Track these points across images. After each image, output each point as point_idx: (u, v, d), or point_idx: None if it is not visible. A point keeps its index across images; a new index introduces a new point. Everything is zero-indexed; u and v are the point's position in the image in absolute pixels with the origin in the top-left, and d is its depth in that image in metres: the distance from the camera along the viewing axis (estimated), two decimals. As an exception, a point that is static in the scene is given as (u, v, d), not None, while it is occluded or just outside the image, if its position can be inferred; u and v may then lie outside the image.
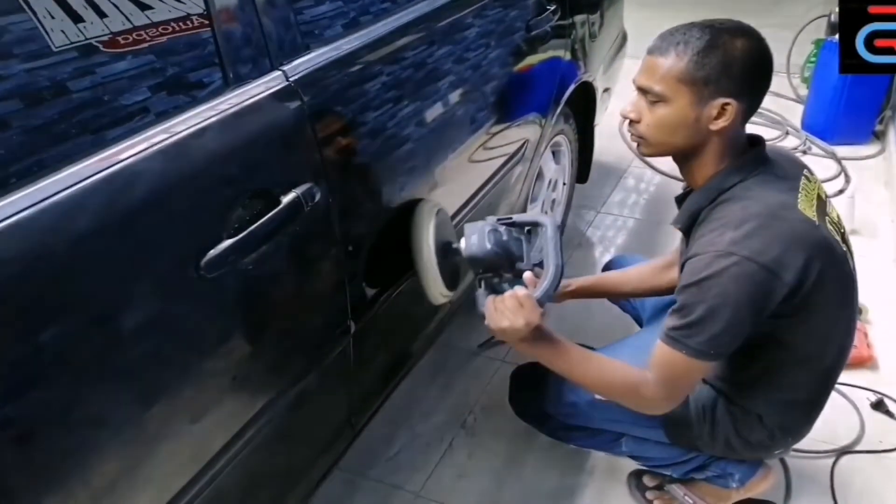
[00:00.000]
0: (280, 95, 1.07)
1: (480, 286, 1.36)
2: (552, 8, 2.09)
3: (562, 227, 2.75)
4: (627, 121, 1.26)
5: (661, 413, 1.29)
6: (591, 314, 2.24)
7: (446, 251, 1.41)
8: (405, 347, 1.72)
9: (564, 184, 2.69)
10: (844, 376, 2.10)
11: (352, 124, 1.25)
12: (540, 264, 1.36)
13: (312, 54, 1.17)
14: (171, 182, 0.91)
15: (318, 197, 1.12)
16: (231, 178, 1.00)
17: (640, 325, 1.83)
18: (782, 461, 1.83)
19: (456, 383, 2.18)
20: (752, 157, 1.23)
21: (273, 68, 1.09)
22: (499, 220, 1.40)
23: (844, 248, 1.26)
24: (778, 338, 1.25)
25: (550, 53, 2.14)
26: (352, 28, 1.31)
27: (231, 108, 1.00)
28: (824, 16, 4.08)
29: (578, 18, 2.37)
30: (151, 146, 0.88)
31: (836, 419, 1.97)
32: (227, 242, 0.97)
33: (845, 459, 1.87)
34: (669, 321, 1.20)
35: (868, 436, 1.94)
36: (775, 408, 1.35)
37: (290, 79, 1.10)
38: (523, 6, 1.97)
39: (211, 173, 0.97)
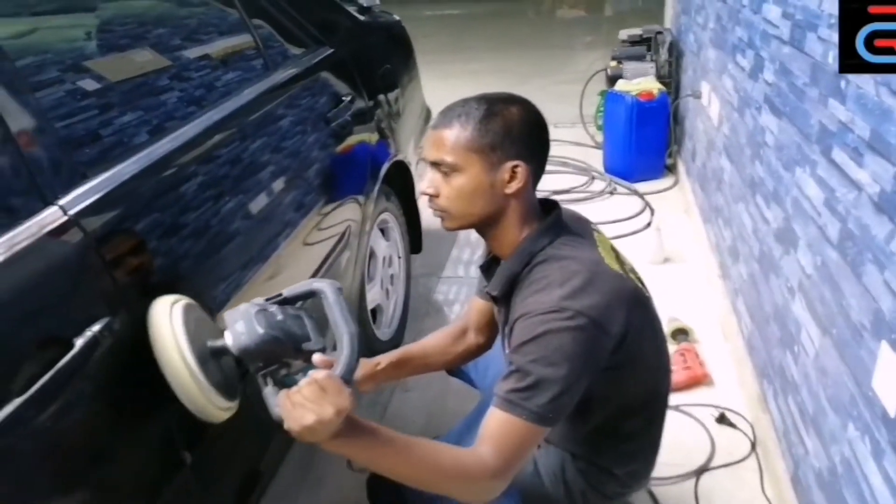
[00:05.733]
0: (57, 232, 0.98)
1: (266, 384, 1.09)
2: (348, 98, 2.13)
3: (406, 299, 2.75)
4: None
5: (495, 496, 1.14)
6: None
7: (209, 352, 1.11)
8: (257, 460, 1.59)
9: (400, 257, 2.71)
10: (686, 397, 2.24)
11: (151, 244, 1.17)
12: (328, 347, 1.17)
13: (93, 182, 1.10)
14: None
15: (119, 330, 1.03)
16: (6, 332, 0.89)
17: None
18: (650, 493, 1.87)
19: (327, 478, 2.05)
20: (553, 219, 1.26)
21: (47, 204, 1.00)
22: (266, 299, 1.18)
23: (647, 294, 1.32)
24: (607, 393, 1.27)
25: (357, 139, 2.17)
26: (130, 149, 1.24)
27: (-1, 255, 0.90)
28: (602, 70, 4.49)
29: (379, 102, 2.44)
30: None
31: (687, 440, 2.07)
32: (16, 402, 0.86)
33: (705, 477, 1.95)
34: (504, 385, 1.13)
35: (719, 450, 2.04)
36: (622, 459, 1.37)
37: (69, 213, 1.01)
38: (319, 101, 1.99)
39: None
